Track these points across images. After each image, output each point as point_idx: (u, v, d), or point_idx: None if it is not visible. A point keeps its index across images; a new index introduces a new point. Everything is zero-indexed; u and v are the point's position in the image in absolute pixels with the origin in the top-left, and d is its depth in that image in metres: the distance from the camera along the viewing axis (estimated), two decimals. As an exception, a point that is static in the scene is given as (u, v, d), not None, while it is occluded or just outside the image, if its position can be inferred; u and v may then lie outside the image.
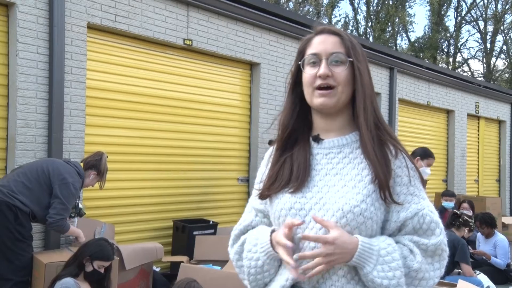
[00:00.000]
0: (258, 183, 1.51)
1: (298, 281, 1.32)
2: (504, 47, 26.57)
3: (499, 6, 25.77)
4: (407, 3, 25.72)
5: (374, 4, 25.74)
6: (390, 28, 25.89)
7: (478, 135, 11.59)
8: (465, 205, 6.98)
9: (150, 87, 5.34)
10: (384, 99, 8.48)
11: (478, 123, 11.58)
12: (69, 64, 4.50)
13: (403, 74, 8.93)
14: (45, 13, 4.35)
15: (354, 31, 25.04)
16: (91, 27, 4.74)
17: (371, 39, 24.25)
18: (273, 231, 1.38)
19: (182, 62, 5.65)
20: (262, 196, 1.43)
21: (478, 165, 11.58)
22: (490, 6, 25.96)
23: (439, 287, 3.80)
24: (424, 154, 4.69)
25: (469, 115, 11.05)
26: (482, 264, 5.74)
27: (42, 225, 4.26)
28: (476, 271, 5.58)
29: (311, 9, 23.86)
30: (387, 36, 25.75)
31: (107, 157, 4.19)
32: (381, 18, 25.19)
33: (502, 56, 26.96)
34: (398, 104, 8.86)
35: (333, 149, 1.41)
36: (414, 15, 36.46)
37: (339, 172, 1.37)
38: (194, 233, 5.10)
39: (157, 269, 4.97)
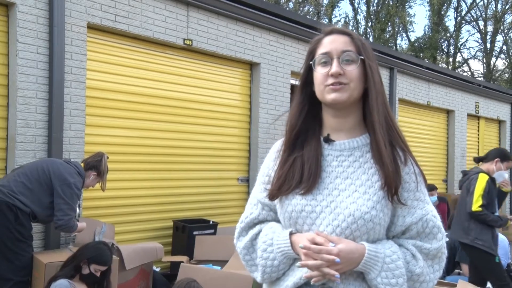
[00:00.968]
0: (264, 176, 1.51)
1: (309, 279, 1.36)
2: (504, 47, 26.58)
3: (499, 6, 25.78)
4: (407, 3, 25.72)
5: (374, 4, 25.75)
6: (390, 28, 25.90)
7: (478, 135, 11.59)
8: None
9: (150, 87, 5.34)
10: (384, 99, 8.46)
11: (478, 123, 11.58)
12: (69, 64, 4.50)
13: (403, 74, 8.93)
14: (45, 13, 4.35)
15: (354, 31, 24.96)
16: (91, 27, 4.74)
17: (371, 39, 24.26)
18: (291, 232, 1.40)
19: (182, 62, 5.65)
20: (272, 196, 1.45)
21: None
22: (490, 6, 25.98)
23: (439, 287, 3.80)
24: (504, 156, 4.49)
25: (469, 115, 11.05)
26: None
27: (43, 225, 4.26)
28: None
29: (311, 9, 23.88)
30: (387, 36, 25.75)
31: (107, 158, 4.18)
32: (381, 18, 25.20)
33: (502, 56, 26.98)
34: (398, 104, 8.86)
35: (344, 152, 1.42)
36: (414, 15, 36.52)
37: (349, 176, 1.39)
38: (194, 233, 5.10)
39: (157, 269, 4.97)
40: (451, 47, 26.80)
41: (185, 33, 5.47)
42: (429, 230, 1.38)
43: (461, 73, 23.33)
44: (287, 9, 19.49)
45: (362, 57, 1.38)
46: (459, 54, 27.24)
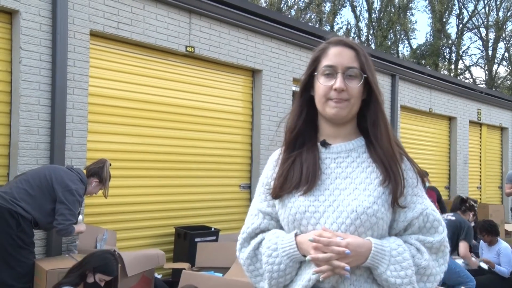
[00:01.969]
0: (263, 186, 1.53)
1: (319, 281, 1.37)
2: (506, 54, 26.61)
3: (500, 14, 25.84)
4: (409, 10, 25.79)
5: (376, 11, 25.82)
6: (392, 35, 25.94)
7: (480, 142, 11.57)
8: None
9: (152, 94, 5.36)
10: (386, 106, 8.43)
11: (480, 130, 11.56)
12: (71, 71, 4.52)
13: (405, 81, 8.94)
14: (48, 20, 4.38)
15: (356, 38, 25.09)
16: (94, 34, 4.76)
17: (373, 46, 24.30)
18: (296, 234, 1.41)
19: (184, 69, 5.67)
20: (275, 195, 1.46)
21: (480, 172, 11.55)
22: (491, 13, 26.03)
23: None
24: None
25: (471, 122, 11.04)
26: (486, 272, 5.70)
27: (44, 232, 4.26)
28: (473, 255, 5.67)
29: (313, 16, 23.95)
30: (389, 43, 25.80)
31: (110, 165, 4.19)
32: (383, 25, 25.25)
33: (504, 63, 27.00)
34: (400, 111, 8.85)
35: (341, 154, 1.47)
36: (416, 22, 36.57)
37: (348, 175, 1.43)
38: (196, 240, 5.09)
39: (159, 276, 4.95)
40: (453, 54, 26.83)
41: (187, 40, 5.49)
42: (430, 224, 1.41)
43: (463, 80, 23.33)
44: (289, 16, 19.57)
45: (366, 76, 1.42)
46: (461, 61, 27.28)
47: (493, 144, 12.14)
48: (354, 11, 25.69)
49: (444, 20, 25.79)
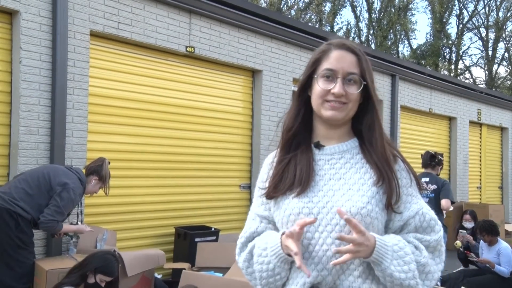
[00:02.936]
0: (260, 190, 1.53)
1: (315, 283, 1.36)
2: (506, 54, 26.61)
3: (500, 14, 25.84)
4: (409, 11, 25.80)
5: (376, 11, 25.82)
6: (392, 35, 25.94)
7: (480, 142, 11.57)
8: (467, 216, 6.94)
9: (152, 94, 5.36)
10: (386, 106, 8.48)
11: (480, 130, 11.56)
12: (71, 71, 4.52)
13: (405, 81, 8.94)
14: (49, 20, 4.38)
15: (356, 38, 25.11)
16: (94, 35, 4.76)
17: (373, 46, 24.30)
18: (283, 233, 1.39)
19: (184, 69, 5.67)
20: (269, 195, 1.46)
21: (480, 172, 11.55)
22: (491, 13, 26.03)
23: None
24: None
25: (471, 122, 11.04)
26: (486, 272, 5.70)
27: (44, 232, 4.26)
28: (473, 255, 5.79)
29: (313, 17, 23.95)
30: (389, 43, 25.80)
31: (109, 163, 4.19)
32: (383, 25, 25.25)
33: (504, 63, 27.01)
34: (400, 111, 8.86)
35: (334, 155, 1.47)
36: (416, 22, 36.57)
37: (342, 176, 1.42)
38: (196, 240, 5.09)
39: (159, 276, 4.95)
40: (453, 54, 26.84)
41: (187, 40, 5.49)
42: (427, 223, 1.41)
43: (463, 80, 23.33)
44: (289, 16, 19.57)
45: (365, 83, 1.43)
46: (461, 61, 27.28)
47: (493, 144, 12.14)
48: (354, 11, 25.72)
49: (444, 20, 25.79)
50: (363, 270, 1.35)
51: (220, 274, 4.24)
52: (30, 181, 3.69)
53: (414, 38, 35.76)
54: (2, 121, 4.28)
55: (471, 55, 42.08)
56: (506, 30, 25.91)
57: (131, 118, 5.17)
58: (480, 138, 11.56)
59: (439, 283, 5.31)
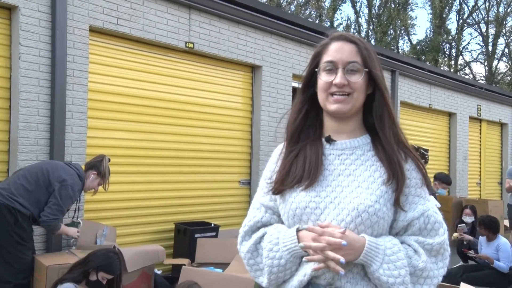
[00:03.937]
0: (267, 180, 1.52)
1: (315, 276, 1.36)
2: (506, 50, 26.58)
3: (500, 9, 25.79)
4: (408, 6, 25.74)
5: (376, 7, 25.76)
6: (392, 31, 25.89)
7: (480, 138, 11.57)
8: (468, 210, 6.95)
9: (152, 90, 5.35)
10: (386, 102, 8.47)
11: (480, 126, 11.56)
12: (71, 67, 4.51)
13: (404, 77, 8.93)
14: (48, 16, 4.37)
15: (356, 34, 25.01)
16: (93, 30, 4.75)
17: (372, 41, 24.26)
18: (298, 229, 1.40)
19: (183, 65, 5.66)
20: (276, 190, 1.45)
21: (480, 168, 11.56)
22: (492, 9, 25.97)
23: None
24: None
25: (471, 118, 11.04)
26: (485, 267, 5.72)
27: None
28: (472, 252, 5.85)
29: (312, 12, 23.89)
30: (389, 39, 25.75)
31: (109, 160, 4.19)
32: (383, 21, 25.20)
33: (504, 59, 26.98)
34: (400, 107, 8.85)
35: (345, 151, 1.45)
36: (416, 17, 36.47)
37: (352, 173, 1.41)
38: (196, 235, 5.10)
39: (159, 272, 4.96)
40: (453, 50, 26.80)
41: (187, 36, 5.48)
42: (431, 226, 1.39)
43: (463, 76, 23.30)
44: (289, 12, 19.52)
45: (367, 69, 1.41)
46: (461, 57, 27.24)
47: (493, 140, 12.14)
48: (354, 6, 25.67)
49: (444, 15, 25.74)
50: (362, 267, 1.36)
51: (220, 270, 4.25)
52: (29, 177, 3.69)
53: (414, 34, 35.75)
54: (2, 117, 4.27)
55: (471, 50, 41.95)
56: (506, 26, 25.86)
57: (130, 114, 5.17)
58: (480, 134, 11.56)
59: None
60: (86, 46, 4.64)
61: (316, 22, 21.60)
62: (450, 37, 26.35)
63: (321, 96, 1.44)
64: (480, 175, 11.53)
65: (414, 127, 9.44)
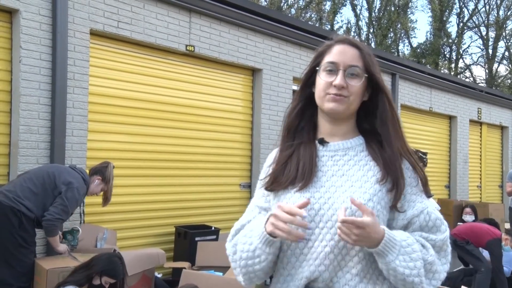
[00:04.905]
0: (261, 181, 1.53)
1: (312, 280, 1.36)
2: (506, 53, 26.60)
3: (501, 12, 25.83)
4: (409, 9, 25.77)
5: (376, 10, 25.80)
6: (392, 34, 25.93)
7: (481, 141, 11.57)
8: (468, 209, 6.95)
9: (152, 93, 5.35)
10: (386, 105, 8.47)
11: (481, 129, 11.56)
12: (72, 70, 4.52)
13: (405, 80, 8.94)
14: (48, 19, 4.37)
15: (356, 37, 25.08)
16: (94, 33, 4.76)
17: (373, 45, 24.29)
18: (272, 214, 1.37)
19: (184, 68, 5.66)
20: (269, 187, 1.46)
21: (480, 171, 11.55)
22: (492, 12, 26.02)
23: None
24: None
25: (472, 121, 11.04)
26: (485, 270, 5.70)
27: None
28: None
29: (313, 15, 23.93)
30: (389, 42, 25.78)
31: (114, 166, 4.20)
32: (383, 24, 25.24)
33: (505, 62, 26.99)
34: (400, 110, 8.85)
35: (338, 152, 1.46)
36: (416, 21, 36.55)
37: (345, 173, 1.42)
38: (196, 239, 5.09)
39: (159, 275, 4.95)
40: (453, 53, 26.82)
41: (187, 39, 5.48)
42: (432, 223, 1.39)
43: (463, 79, 23.31)
44: (289, 15, 19.55)
45: (367, 75, 1.42)
46: (461, 60, 27.27)
47: (493, 143, 12.14)
48: (354, 10, 25.70)
49: (444, 19, 25.77)
50: (362, 268, 1.35)
51: (220, 273, 4.24)
52: (35, 180, 3.70)
53: (414, 37, 35.75)
54: (2, 120, 4.27)
55: (471, 53, 42.09)
56: (507, 29, 25.91)
57: (131, 117, 5.17)
58: (480, 137, 11.56)
59: None
60: (86, 50, 4.64)
61: (317, 25, 21.63)
62: (450, 40, 26.38)
63: (318, 95, 1.45)
64: (480, 178, 11.52)
65: (414, 130, 9.44)
